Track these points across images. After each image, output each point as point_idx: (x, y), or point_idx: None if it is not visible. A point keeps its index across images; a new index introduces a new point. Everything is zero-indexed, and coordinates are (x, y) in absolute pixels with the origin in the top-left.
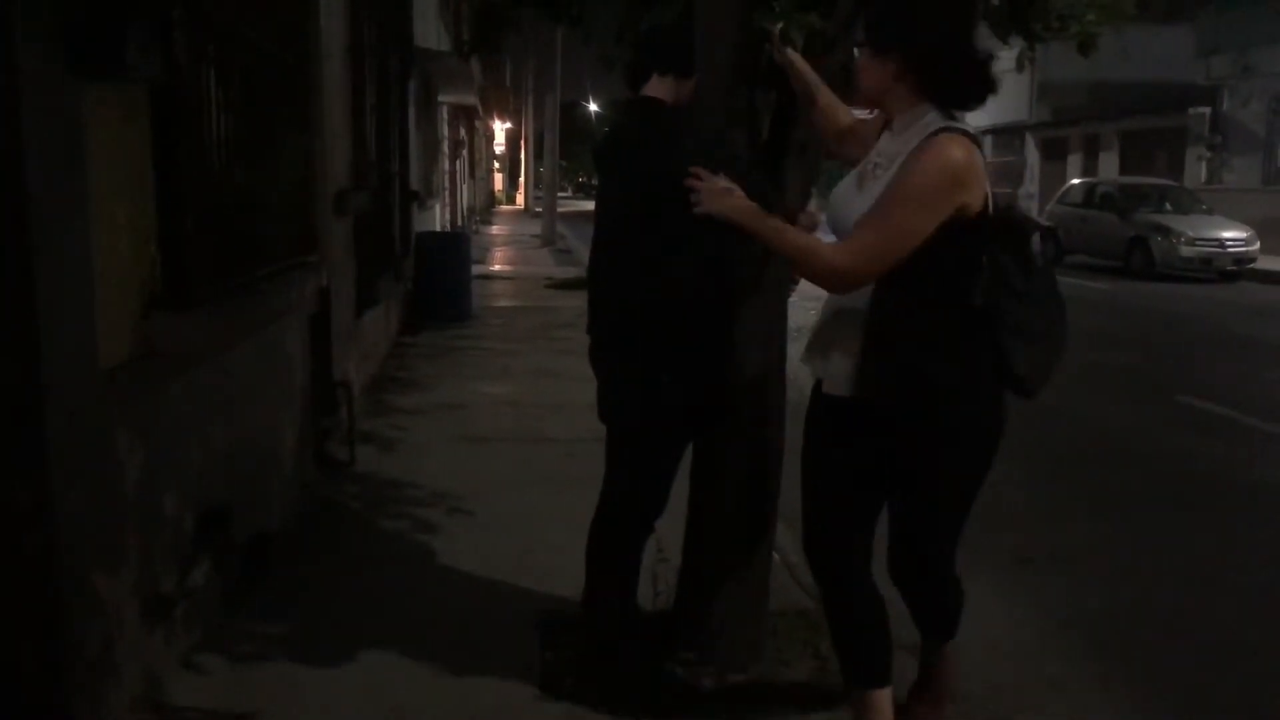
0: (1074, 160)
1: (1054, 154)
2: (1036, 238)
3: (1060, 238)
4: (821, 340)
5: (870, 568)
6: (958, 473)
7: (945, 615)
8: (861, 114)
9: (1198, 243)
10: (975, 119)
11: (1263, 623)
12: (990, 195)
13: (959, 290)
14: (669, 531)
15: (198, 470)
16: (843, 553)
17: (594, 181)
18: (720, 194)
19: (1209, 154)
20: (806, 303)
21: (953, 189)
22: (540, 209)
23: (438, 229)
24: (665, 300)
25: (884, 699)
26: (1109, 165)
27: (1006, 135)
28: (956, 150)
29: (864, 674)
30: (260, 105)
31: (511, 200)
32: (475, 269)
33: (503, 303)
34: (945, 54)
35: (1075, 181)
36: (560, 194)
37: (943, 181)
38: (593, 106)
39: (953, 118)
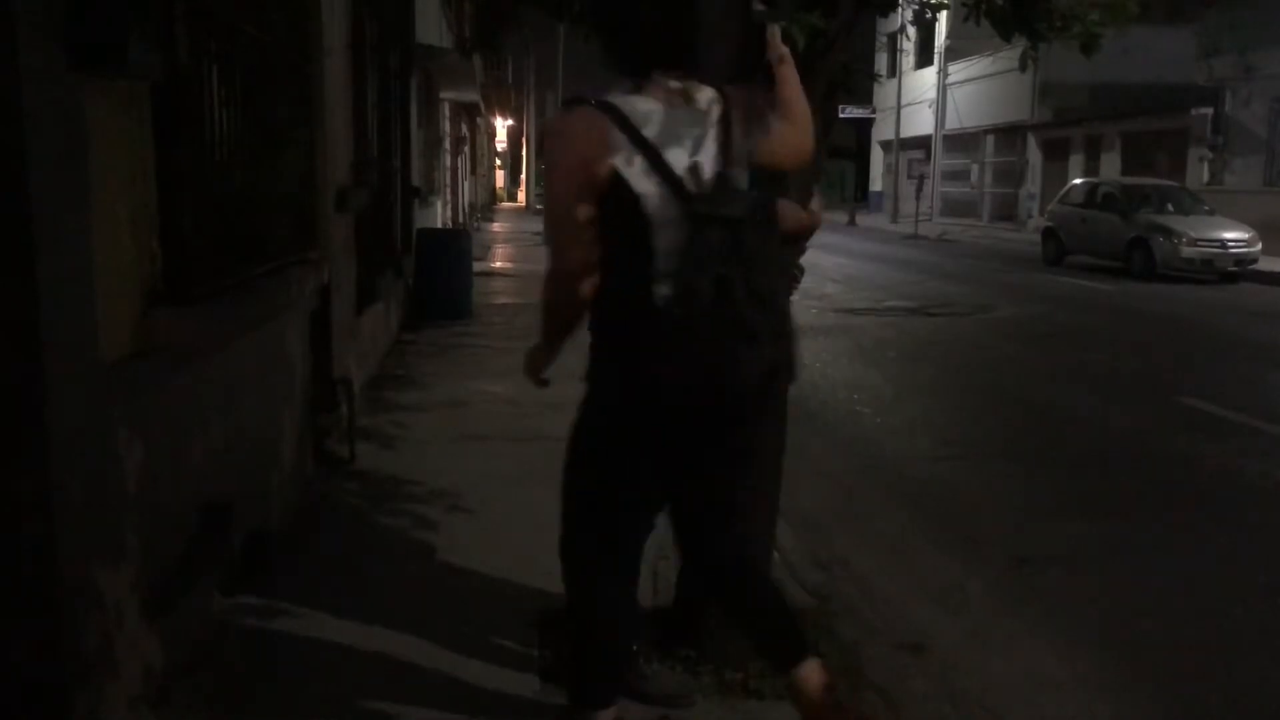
0: (1076, 160)
1: (1056, 154)
2: (715, 236)
3: (1062, 238)
4: None
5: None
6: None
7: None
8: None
9: (1199, 243)
10: (978, 119)
11: (1263, 623)
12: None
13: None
14: (669, 530)
15: (198, 466)
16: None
17: None
18: (526, 362)
19: (1211, 155)
20: (808, 302)
21: (563, 145)
22: (541, 206)
23: (439, 226)
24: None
25: None
26: (1111, 165)
27: (1008, 135)
28: (563, 113)
29: None
30: (262, 101)
31: (513, 197)
32: (476, 266)
33: (503, 300)
34: (617, 21)
35: (1077, 181)
36: None
37: (549, 145)
38: None
39: (704, 84)
